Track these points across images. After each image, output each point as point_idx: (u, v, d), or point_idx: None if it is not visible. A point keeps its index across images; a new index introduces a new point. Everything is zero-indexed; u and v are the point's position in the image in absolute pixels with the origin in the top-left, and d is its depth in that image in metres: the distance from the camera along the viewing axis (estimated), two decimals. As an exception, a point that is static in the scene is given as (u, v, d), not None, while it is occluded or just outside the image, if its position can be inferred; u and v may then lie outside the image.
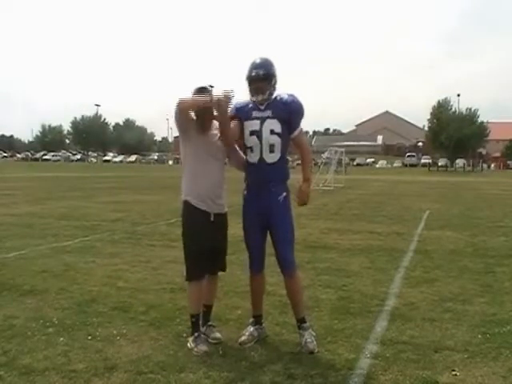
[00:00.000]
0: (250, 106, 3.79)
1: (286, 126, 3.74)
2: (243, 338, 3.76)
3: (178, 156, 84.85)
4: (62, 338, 3.81)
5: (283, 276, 3.90)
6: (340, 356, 3.53)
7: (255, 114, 3.76)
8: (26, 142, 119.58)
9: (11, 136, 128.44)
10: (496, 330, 4.05)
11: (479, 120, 64.50)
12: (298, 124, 3.81)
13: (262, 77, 3.66)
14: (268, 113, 3.74)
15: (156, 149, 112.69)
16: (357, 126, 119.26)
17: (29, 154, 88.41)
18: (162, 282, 5.43)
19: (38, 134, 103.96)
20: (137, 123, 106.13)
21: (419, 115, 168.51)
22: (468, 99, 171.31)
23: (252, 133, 3.75)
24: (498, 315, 4.45)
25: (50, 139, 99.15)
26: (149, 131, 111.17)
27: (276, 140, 3.72)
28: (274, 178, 3.79)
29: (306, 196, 3.91)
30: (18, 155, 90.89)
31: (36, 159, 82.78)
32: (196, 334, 3.69)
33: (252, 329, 3.86)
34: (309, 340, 3.68)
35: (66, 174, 36.92)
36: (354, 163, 71.37)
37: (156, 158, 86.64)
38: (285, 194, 3.85)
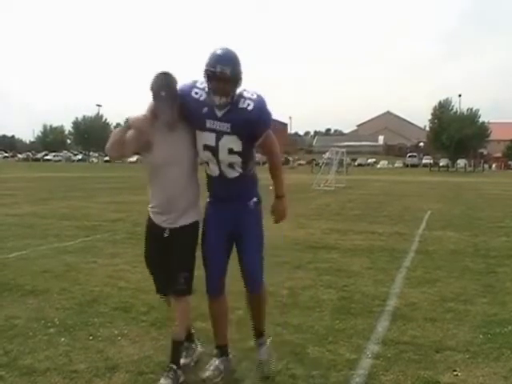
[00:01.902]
0: (205, 109, 3.01)
1: (249, 140, 3.05)
2: (207, 373, 3.18)
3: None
4: (63, 339, 3.81)
5: (246, 291, 3.31)
6: (341, 356, 3.53)
7: (210, 123, 3.01)
8: (28, 142, 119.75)
9: (12, 136, 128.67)
10: (497, 330, 4.05)
11: (480, 120, 64.44)
12: (263, 133, 3.09)
13: (228, 76, 2.90)
14: (226, 126, 2.99)
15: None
16: (358, 126, 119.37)
17: (30, 154, 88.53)
18: (163, 282, 5.42)
19: (40, 134, 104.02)
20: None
21: (420, 115, 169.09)
22: (469, 99, 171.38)
23: (206, 147, 3.07)
24: (499, 315, 4.44)
25: (51, 139, 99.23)
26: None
27: (236, 159, 3.08)
28: (239, 191, 3.20)
29: (282, 213, 3.34)
30: (20, 155, 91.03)
31: (37, 159, 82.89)
32: (168, 367, 3.10)
33: (217, 362, 3.27)
34: (264, 357, 3.31)
35: (67, 174, 36.95)
36: (356, 163, 71.44)
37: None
38: (255, 199, 3.26)
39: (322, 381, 3.16)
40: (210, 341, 3.57)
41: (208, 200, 3.30)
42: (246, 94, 3.04)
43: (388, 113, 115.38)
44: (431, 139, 67.16)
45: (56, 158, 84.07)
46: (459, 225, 10.50)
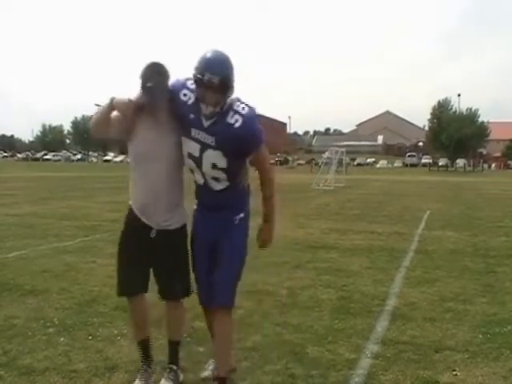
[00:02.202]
0: (192, 115, 2.77)
1: (236, 157, 2.81)
2: (206, 373, 3.20)
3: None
4: (62, 338, 3.81)
5: (213, 312, 2.96)
6: (340, 356, 3.53)
7: (195, 133, 2.78)
8: (27, 141, 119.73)
9: (12, 136, 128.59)
10: (497, 330, 4.05)
11: (480, 120, 64.48)
12: (252, 152, 2.85)
13: (216, 85, 2.63)
14: (210, 139, 2.75)
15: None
16: (357, 125, 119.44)
17: (29, 153, 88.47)
18: (162, 281, 5.42)
19: (39, 133, 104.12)
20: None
21: (420, 115, 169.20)
22: (468, 99, 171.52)
23: (190, 156, 2.87)
24: (498, 315, 4.45)
25: (50, 139, 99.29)
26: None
27: (220, 175, 2.85)
28: (226, 202, 2.95)
29: (268, 239, 3.04)
30: (19, 155, 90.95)
31: (36, 159, 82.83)
32: (140, 367, 3.12)
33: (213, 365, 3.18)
34: None
35: (66, 173, 36.93)
36: (355, 163, 71.44)
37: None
38: (242, 214, 2.99)
39: (322, 380, 3.16)
40: (209, 341, 3.57)
41: (195, 207, 3.09)
42: (235, 107, 2.75)
43: (387, 112, 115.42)
44: (430, 139, 67.19)
45: (55, 158, 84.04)
46: (458, 224, 10.50)
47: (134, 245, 2.99)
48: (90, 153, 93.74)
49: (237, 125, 2.72)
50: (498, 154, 78.54)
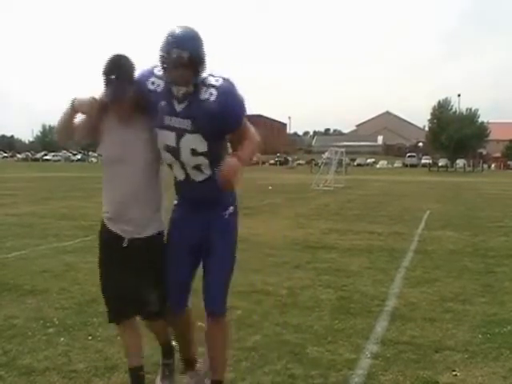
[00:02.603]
0: (163, 103, 2.55)
1: (216, 138, 2.57)
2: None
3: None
4: (62, 338, 3.81)
5: (206, 320, 2.82)
6: (340, 356, 3.53)
7: (168, 120, 2.54)
8: (27, 142, 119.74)
9: (12, 136, 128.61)
10: (496, 330, 4.05)
11: (479, 120, 64.53)
12: (234, 129, 2.59)
13: (186, 62, 2.38)
14: (186, 123, 2.51)
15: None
16: (357, 126, 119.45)
17: (29, 154, 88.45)
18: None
19: (39, 134, 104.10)
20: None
21: (420, 115, 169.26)
22: (468, 99, 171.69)
23: (166, 148, 2.61)
24: (498, 315, 4.45)
25: (50, 139, 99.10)
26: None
27: (202, 161, 2.59)
28: (211, 195, 2.68)
29: (231, 170, 2.47)
30: (19, 155, 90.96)
31: (36, 159, 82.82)
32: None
33: (187, 378, 3.05)
34: None
35: (66, 174, 36.92)
36: (355, 163, 71.42)
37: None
38: (232, 208, 2.78)
39: (321, 381, 3.16)
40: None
41: (175, 202, 2.84)
42: (209, 81, 2.50)
43: (387, 113, 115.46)
44: (430, 139, 67.18)
45: (55, 158, 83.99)
46: (458, 225, 10.50)
47: (111, 262, 2.74)
48: (90, 153, 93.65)
49: (212, 98, 2.46)
50: (498, 155, 78.54)
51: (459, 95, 66.88)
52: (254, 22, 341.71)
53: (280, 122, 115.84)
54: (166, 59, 2.41)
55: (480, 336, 3.93)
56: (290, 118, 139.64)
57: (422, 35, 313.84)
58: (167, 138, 2.57)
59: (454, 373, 3.28)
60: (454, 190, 23.50)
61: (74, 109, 2.56)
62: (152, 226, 2.74)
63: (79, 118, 2.62)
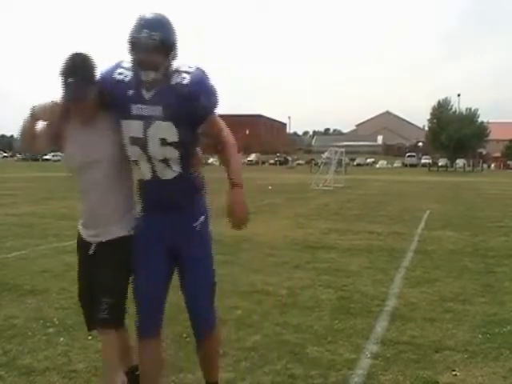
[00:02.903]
0: (131, 91, 2.39)
1: (187, 126, 2.40)
2: None
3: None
4: (62, 338, 3.81)
5: (195, 336, 2.71)
6: (340, 356, 3.53)
7: (136, 109, 2.38)
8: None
9: (12, 136, 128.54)
10: (496, 330, 4.05)
11: (479, 120, 64.54)
12: (206, 115, 2.44)
13: (157, 44, 2.27)
14: (156, 110, 2.36)
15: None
16: (357, 125, 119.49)
17: (29, 154, 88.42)
18: (162, 282, 5.42)
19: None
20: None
21: (420, 115, 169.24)
22: (468, 99, 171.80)
23: (133, 140, 2.43)
24: (498, 315, 4.45)
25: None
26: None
27: (171, 153, 2.42)
28: (179, 199, 2.51)
29: (242, 209, 2.47)
30: (19, 155, 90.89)
31: (36, 159, 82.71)
32: None
33: None
34: None
35: (66, 174, 36.85)
36: (354, 163, 71.41)
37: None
38: (203, 217, 2.57)
39: (321, 380, 3.16)
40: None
41: (139, 213, 2.63)
42: (181, 68, 2.40)
43: (387, 113, 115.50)
44: (430, 139, 67.18)
45: (55, 158, 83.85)
46: (458, 224, 10.51)
47: (81, 271, 2.67)
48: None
49: (184, 81, 2.35)
50: (498, 154, 78.56)
51: (459, 95, 67.02)
52: (254, 21, 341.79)
53: (280, 122, 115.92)
54: (136, 42, 2.29)
55: (480, 336, 3.93)
56: (289, 117, 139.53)
57: (421, 35, 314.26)
58: (134, 128, 2.40)
59: (454, 373, 3.28)
60: (453, 189, 23.49)
61: (35, 116, 2.43)
62: (120, 228, 2.56)
63: (41, 125, 2.49)
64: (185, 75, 2.37)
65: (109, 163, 2.50)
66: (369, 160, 78.31)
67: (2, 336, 3.85)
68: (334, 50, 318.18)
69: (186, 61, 2.45)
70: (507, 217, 12.03)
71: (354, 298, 4.94)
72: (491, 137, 67.54)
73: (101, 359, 3.41)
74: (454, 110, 66.41)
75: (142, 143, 2.41)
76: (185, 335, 3.84)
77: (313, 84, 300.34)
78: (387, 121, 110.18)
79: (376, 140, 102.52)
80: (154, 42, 2.27)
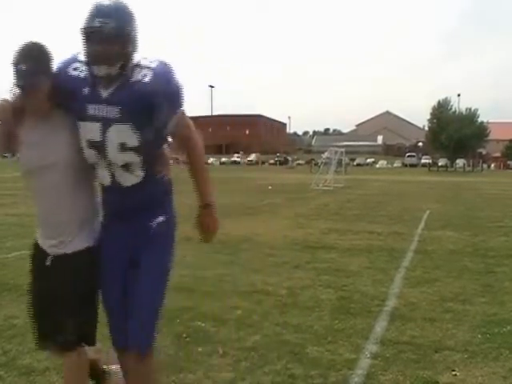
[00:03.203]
0: (86, 89, 2.14)
1: (149, 129, 2.13)
2: None
3: (177, 156, 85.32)
4: (62, 338, 3.80)
5: (121, 358, 2.44)
6: (340, 356, 3.53)
7: (92, 109, 2.13)
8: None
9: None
10: (496, 330, 4.05)
11: (479, 120, 64.52)
12: (170, 117, 2.16)
13: (111, 34, 2.01)
14: (114, 111, 2.10)
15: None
16: (357, 125, 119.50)
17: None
18: (162, 282, 5.42)
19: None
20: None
21: (420, 115, 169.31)
22: (468, 99, 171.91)
23: (89, 144, 2.19)
24: (498, 315, 4.45)
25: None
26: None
27: (132, 158, 2.17)
28: (142, 206, 2.27)
29: (211, 228, 2.35)
30: (19, 155, 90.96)
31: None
32: None
33: None
34: None
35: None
36: (354, 163, 71.37)
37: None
38: (162, 218, 2.30)
39: (321, 380, 3.16)
40: (209, 341, 3.58)
41: (101, 221, 2.39)
42: (142, 63, 2.13)
43: (387, 113, 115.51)
44: (430, 139, 67.17)
45: None
46: (458, 224, 10.50)
47: (35, 282, 2.41)
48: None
49: (146, 79, 2.08)
50: (498, 154, 78.56)
51: (459, 95, 67.24)
52: (254, 22, 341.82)
53: (280, 122, 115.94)
54: (87, 33, 2.04)
55: (480, 336, 3.93)
56: (289, 117, 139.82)
57: (422, 35, 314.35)
58: (90, 130, 2.15)
59: (454, 373, 3.28)
60: (453, 189, 23.49)
61: None
62: (81, 240, 2.32)
63: None
64: (146, 71, 2.10)
65: (66, 166, 2.26)
66: (369, 160, 78.27)
67: (2, 336, 3.85)
68: (333, 50, 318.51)
69: (147, 54, 2.19)
70: (507, 217, 12.03)
71: (353, 298, 4.94)
72: (491, 137, 67.52)
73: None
74: (453, 110, 66.44)
75: (99, 147, 2.17)
76: (185, 335, 3.85)
77: (313, 84, 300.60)
78: (387, 121, 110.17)
79: (376, 140, 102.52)
80: (107, 31, 2.01)
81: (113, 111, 2.12)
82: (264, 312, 4.44)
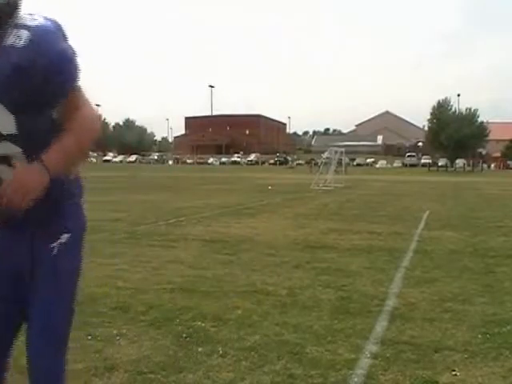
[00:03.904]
0: None
1: (30, 109, 1.60)
2: None
3: (177, 156, 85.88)
4: (61, 338, 3.80)
5: None
6: (340, 356, 3.53)
7: None
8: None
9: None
10: (496, 330, 4.05)
11: (479, 120, 64.65)
12: (58, 94, 1.63)
13: None
14: None
15: (156, 149, 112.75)
16: (357, 125, 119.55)
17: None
18: (161, 282, 5.42)
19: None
20: (137, 123, 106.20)
21: (420, 115, 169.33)
22: (468, 99, 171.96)
23: None
24: (498, 315, 4.45)
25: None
26: (149, 131, 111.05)
27: (10, 150, 1.65)
28: (36, 212, 1.70)
29: (18, 188, 1.60)
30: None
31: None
32: None
33: None
34: None
35: None
36: (354, 163, 71.47)
37: (156, 157, 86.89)
38: (66, 236, 1.82)
39: (321, 380, 3.16)
40: (209, 341, 3.58)
41: None
42: (22, 21, 1.59)
43: (387, 113, 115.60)
44: (430, 139, 67.25)
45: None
46: (458, 224, 10.51)
47: None
48: (90, 153, 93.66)
49: (20, 43, 1.53)
50: (498, 154, 78.63)
51: (459, 95, 67.28)
52: (254, 21, 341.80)
53: (280, 122, 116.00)
54: None
55: (479, 336, 3.93)
56: (289, 117, 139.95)
57: (422, 35, 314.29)
58: None
59: (454, 373, 3.28)
60: (453, 189, 23.52)
61: None
62: None
63: None
64: (22, 32, 1.55)
65: None
66: (369, 160, 78.34)
67: (1, 336, 3.84)
68: (333, 50, 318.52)
69: (33, 10, 1.65)
70: (507, 217, 12.04)
71: (353, 297, 4.94)
72: (491, 137, 67.59)
73: (100, 359, 3.43)
74: (453, 110, 66.57)
75: None
76: (185, 335, 3.85)
77: (313, 84, 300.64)
78: (387, 121, 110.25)
79: (376, 140, 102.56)
80: None
81: None
82: (264, 312, 4.44)
